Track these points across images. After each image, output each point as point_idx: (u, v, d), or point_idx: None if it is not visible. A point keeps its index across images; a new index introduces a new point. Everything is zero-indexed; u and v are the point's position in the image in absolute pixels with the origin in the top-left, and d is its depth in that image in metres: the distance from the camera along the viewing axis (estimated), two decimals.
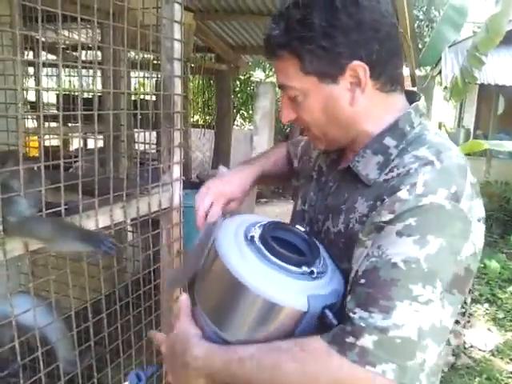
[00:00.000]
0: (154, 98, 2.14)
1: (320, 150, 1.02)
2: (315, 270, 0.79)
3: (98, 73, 3.02)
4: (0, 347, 1.14)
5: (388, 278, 0.72)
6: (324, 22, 0.80)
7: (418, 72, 7.78)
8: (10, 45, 2.02)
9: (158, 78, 2.04)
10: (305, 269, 0.78)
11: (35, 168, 1.28)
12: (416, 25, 11.73)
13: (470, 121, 10.13)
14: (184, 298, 0.92)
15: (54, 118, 2.75)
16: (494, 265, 5.10)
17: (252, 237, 0.82)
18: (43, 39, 2.72)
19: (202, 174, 5.33)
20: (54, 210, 1.24)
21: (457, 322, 3.53)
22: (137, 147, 2.90)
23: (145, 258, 1.78)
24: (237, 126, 11.37)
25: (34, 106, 3.62)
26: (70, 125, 3.26)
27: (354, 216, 0.86)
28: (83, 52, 3.13)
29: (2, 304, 1.19)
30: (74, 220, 1.30)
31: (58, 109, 1.28)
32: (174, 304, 1.72)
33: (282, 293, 0.74)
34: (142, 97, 3.78)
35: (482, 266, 5.01)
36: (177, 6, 1.57)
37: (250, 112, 11.03)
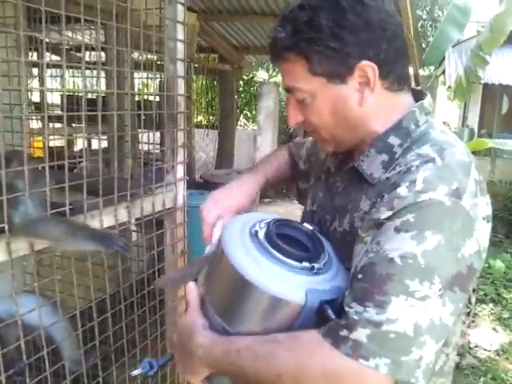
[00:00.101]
0: (157, 98, 2.15)
1: (328, 152, 1.02)
2: (316, 266, 0.80)
3: (102, 73, 3.02)
4: (6, 346, 1.14)
5: (384, 273, 0.72)
6: (331, 22, 0.81)
7: (421, 72, 7.77)
8: (14, 46, 2.03)
9: (161, 78, 2.05)
10: (305, 264, 0.79)
11: (39, 168, 1.29)
12: (419, 24, 11.71)
13: (474, 120, 10.10)
14: (192, 289, 0.94)
15: (59, 118, 2.76)
16: (498, 264, 5.08)
17: (256, 232, 0.83)
18: (47, 40, 2.73)
19: (205, 174, 5.34)
20: (58, 209, 1.25)
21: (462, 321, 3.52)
22: (141, 147, 2.91)
23: (149, 257, 1.78)
24: (240, 126, 11.37)
25: (38, 107, 3.63)
26: (74, 125, 3.28)
27: (358, 215, 0.86)
28: (87, 53, 3.14)
29: (7, 303, 1.20)
30: (79, 220, 1.30)
31: (62, 109, 1.28)
32: (178, 303, 1.72)
33: (280, 286, 0.76)
34: (145, 97, 3.79)
35: (487, 265, 5.00)
36: (180, 7, 1.57)
37: (254, 112, 11.03)
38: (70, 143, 4.78)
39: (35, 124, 3.15)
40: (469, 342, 3.64)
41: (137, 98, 3.84)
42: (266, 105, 8.59)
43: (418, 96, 0.93)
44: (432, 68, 8.37)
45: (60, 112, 3.60)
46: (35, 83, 4.00)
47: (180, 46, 1.60)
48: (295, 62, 0.85)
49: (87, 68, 1.94)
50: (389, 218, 0.76)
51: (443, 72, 8.81)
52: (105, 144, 3.23)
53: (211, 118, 9.51)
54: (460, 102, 8.06)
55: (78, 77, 3.63)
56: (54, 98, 3.63)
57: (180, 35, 1.59)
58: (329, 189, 1.00)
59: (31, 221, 1.22)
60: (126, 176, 1.76)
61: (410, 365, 0.70)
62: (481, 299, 4.43)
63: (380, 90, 0.86)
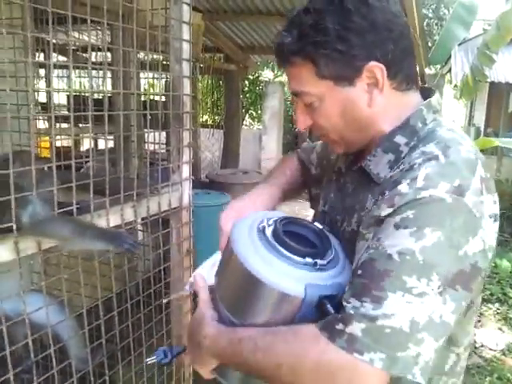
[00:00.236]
0: (163, 98, 2.15)
1: (339, 153, 1.03)
2: (319, 262, 0.81)
3: (108, 74, 3.04)
4: (14, 344, 1.16)
5: (382, 269, 0.72)
6: (337, 25, 0.81)
7: (427, 70, 7.74)
8: (21, 47, 2.04)
9: (167, 78, 2.06)
10: (308, 260, 0.81)
11: (45, 168, 1.30)
12: (425, 23, 11.67)
13: (480, 119, 10.06)
14: (201, 281, 0.97)
15: (65, 118, 2.78)
16: (505, 264, 5.05)
17: (263, 228, 0.86)
18: (54, 41, 2.75)
19: (211, 173, 5.35)
20: (65, 209, 1.26)
21: None
22: (146, 147, 2.92)
23: (155, 256, 1.80)
24: (246, 125, 11.39)
25: (45, 107, 3.65)
26: (80, 125, 3.29)
27: (365, 214, 0.87)
28: (93, 53, 3.15)
29: (15, 302, 1.21)
30: (86, 219, 1.32)
31: (68, 110, 1.29)
32: (183, 302, 1.73)
33: (281, 279, 0.78)
34: (151, 97, 3.80)
35: (493, 265, 4.97)
36: (185, 7, 1.58)
37: (259, 112, 11.03)
38: (77, 143, 4.80)
39: (42, 124, 3.17)
40: (474, 342, 3.63)
41: (143, 98, 3.85)
42: (272, 104, 8.61)
43: (426, 94, 0.93)
44: (438, 66, 8.34)
45: (67, 112, 3.62)
46: (42, 84, 4.02)
47: (186, 46, 1.60)
48: (302, 66, 0.86)
49: (93, 68, 1.95)
50: (389, 215, 0.76)
51: (449, 70, 8.77)
52: (111, 144, 3.24)
53: (217, 117, 9.53)
54: (466, 100, 8.03)
55: (85, 77, 3.64)
56: (60, 99, 3.65)
57: (186, 35, 1.59)
58: (340, 189, 1.01)
59: (39, 220, 1.24)
60: (132, 176, 1.77)
61: (407, 361, 0.70)
62: (487, 299, 4.41)
63: (388, 90, 0.86)
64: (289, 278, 0.78)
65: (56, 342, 1.33)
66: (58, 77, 3.69)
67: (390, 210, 0.76)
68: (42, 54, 3.14)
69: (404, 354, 0.69)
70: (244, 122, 10.98)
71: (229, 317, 0.86)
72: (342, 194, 0.99)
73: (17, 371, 1.16)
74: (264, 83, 9.86)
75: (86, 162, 2.27)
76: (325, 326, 0.74)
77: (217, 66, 6.39)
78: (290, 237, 0.84)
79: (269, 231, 0.86)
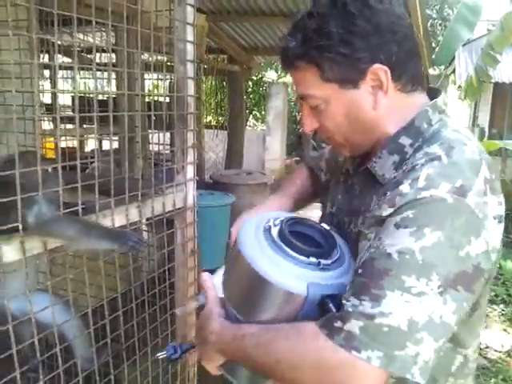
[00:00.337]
0: (167, 99, 2.16)
1: (345, 156, 1.04)
2: (322, 262, 0.83)
3: (113, 75, 3.05)
4: (20, 343, 1.16)
5: (382, 268, 0.73)
6: (341, 28, 0.82)
7: (431, 71, 7.73)
8: (26, 48, 2.05)
9: (171, 79, 2.06)
10: (312, 259, 0.82)
11: (50, 169, 1.30)
12: (429, 24, 11.64)
13: (484, 120, 10.02)
14: (207, 279, 0.99)
15: (70, 119, 2.79)
16: (509, 265, 5.03)
17: (269, 227, 0.88)
18: (59, 42, 2.76)
19: (215, 174, 5.36)
20: (71, 209, 1.27)
21: None
22: (151, 148, 2.93)
23: (160, 256, 1.80)
24: (249, 126, 11.40)
25: (50, 108, 3.67)
26: (85, 126, 3.31)
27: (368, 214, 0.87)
28: (97, 54, 3.17)
29: (21, 301, 1.22)
30: (91, 219, 1.32)
31: (73, 111, 1.30)
32: (188, 302, 1.74)
33: (284, 277, 0.80)
34: (155, 98, 3.81)
35: (498, 266, 4.94)
36: (189, 9, 1.58)
37: (263, 112, 11.05)
38: (82, 144, 4.82)
39: (46, 125, 3.19)
40: (479, 343, 3.61)
41: (147, 99, 3.86)
42: (275, 105, 8.62)
43: (433, 95, 0.93)
44: (442, 67, 8.32)
45: (71, 113, 3.64)
46: (46, 85, 4.03)
47: (190, 48, 1.61)
48: (306, 69, 0.87)
49: (98, 70, 1.96)
50: (390, 215, 0.77)
51: (453, 71, 8.75)
52: (115, 145, 3.25)
53: (220, 118, 9.54)
54: (470, 101, 8.00)
55: (89, 78, 3.66)
56: (65, 100, 3.66)
57: (190, 36, 1.60)
58: (347, 191, 1.02)
59: (45, 220, 1.24)
60: (137, 176, 1.78)
61: (405, 360, 0.70)
62: (492, 300, 4.40)
63: (393, 92, 0.87)
64: (292, 276, 0.80)
65: (61, 341, 1.34)
66: (62, 78, 3.71)
67: (391, 210, 0.77)
68: (46, 56, 3.16)
69: (402, 352, 0.70)
70: (248, 123, 10.99)
71: (235, 314, 0.88)
72: (350, 195, 1.00)
73: (23, 370, 1.17)
74: (268, 84, 9.87)
75: (91, 163, 2.28)
76: (324, 324, 0.74)
77: (220, 67, 6.40)
78: (296, 237, 0.85)
79: (275, 231, 0.87)
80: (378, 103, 0.87)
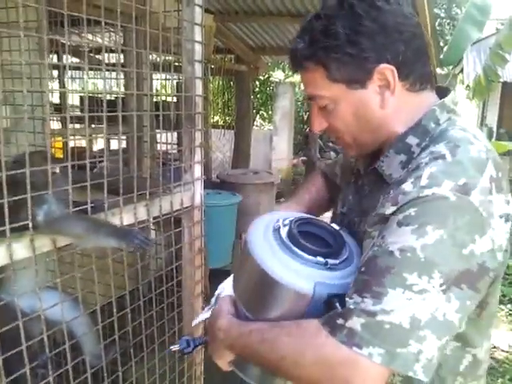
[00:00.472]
0: (174, 99, 2.18)
1: (351, 156, 1.05)
2: (330, 262, 0.84)
3: (121, 75, 3.07)
4: (29, 340, 1.18)
5: (384, 266, 0.73)
6: (347, 29, 0.83)
7: (439, 70, 7.69)
8: (36, 49, 2.07)
9: (179, 79, 2.08)
10: (320, 259, 0.83)
11: (58, 169, 1.32)
12: (437, 23, 11.59)
13: (492, 119, 9.98)
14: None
15: (78, 119, 2.82)
16: None
17: (278, 227, 0.89)
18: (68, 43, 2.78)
19: (222, 173, 5.37)
20: (80, 208, 1.28)
21: None
22: (159, 147, 2.95)
23: (167, 255, 1.82)
24: (256, 126, 11.41)
25: (57, 109, 3.70)
26: (93, 126, 3.33)
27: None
28: (106, 55, 3.19)
29: (31, 298, 1.24)
30: (100, 217, 1.34)
31: (81, 111, 1.32)
32: (195, 300, 1.75)
33: (292, 276, 0.81)
34: (163, 98, 3.83)
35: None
36: (197, 9, 1.59)
37: (270, 112, 11.04)
38: (90, 143, 4.85)
39: (55, 125, 3.21)
40: (491, 345, 3.59)
41: (154, 99, 3.88)
42: (282, 105, 8.62)
43: (443, 94, 0.93)
44: (450, 67, 8.28)
45: (79, 113, 3.66)
46: (55, 85, 4.07)
47: (198, 48, 1.62)
48: (315, 70, 0.88)
49: (107, 70, 1.97)
50: (393, 213, 0.77)
51: (461, 71, 8.71)
52: (123, 144, 3.28)
53: (227, 118, 9.55)
54: (478, 101, 7.95)
55: (97, 78, 3.68)
56: (73, 100, 3.69)
57: (198, 37, 1.61)
58: (358, 191, 1.02)
59: (54, 219, 1.26)
60: (145, 175, 1.79)
61: (407, 358, 0.70)
62: (499, 300, 4.37)
63: (401, 91, 0.87)
64: (300, 276, 0.81)
65: (70, 338, 1.35)
66: (71, 78, 3.74)
67: (394, 208, 0.77)
68: (55, 56, 3.18)
69: (404, 350, 0.70)
70: (255, 123, 11.00)
71: (244, 312, 0.90)
72: (360, 195, 1.00)
73: (32, 366, 1.19)
74: (275, 84, 9.87)
75: (100, 162, 2.30)
76: (327, 321, 0.75)
77: (228, 67, 6.41)
78: (305, 237, 0.86)
79: (284, 231, 0.88)
80: (386, 102, 0.87)
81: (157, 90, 4.40)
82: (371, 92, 0.87)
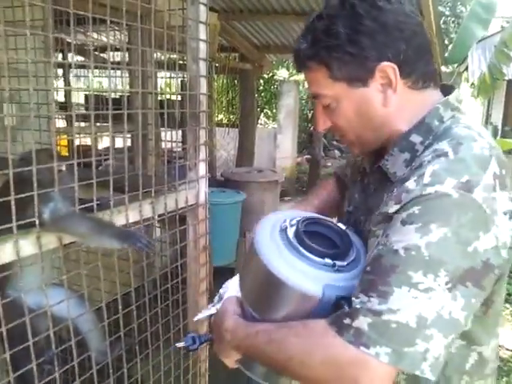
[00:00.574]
0: (179, 97, 2.18)
1: (355, 154, 1.06)
2: (338, 263, 0.83)
3: (126, 73, 3.08)
4: (36, 336, 1.19)
5: (389, 265, 0.74)
6: (348, 29, 0.84)
7: (444, 68, 7.67)
8: (42, 47, 2.08)
9: (183, 77, 2.08)
10: (327, 261, 0.83)
11: (64, 167, 1.33)
12: (442, 21, 11.55)
13: (497, 117, 9.94)
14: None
15: (84, 117, 2.83)
16: None
17: (285, 227, 0.89)
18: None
19: (226, 172, 5.37)
20: (86, 205, 1.29)
21: None
22: (164, 145, 2.96)
23: (172, 252, 1.82)
24: (260, 124, 11.41)
25: (62, 107, 3.71)
26: (98, 124, 3.35)
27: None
28: (111, 53, 3.20)
29: (37, 295, 1.25)
30: (106, 215, 1.35)
31: (86, 109, 1.32)
32: (200, 298, 1.76)
33: (300, 279, 0.81)
34: (168, 96, 3.84)
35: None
36: (202, 7, 1.60)
37: (274, 111, 11.04)
38: (95, 141, 4.86)
39: (60, 123, 3.23)
40: (498, 344, 3.58)
41: (159, 98, 3.89)
42: (286, 103, 8.61)
43: (447, 92, 0.93)
44: (455, 65, 8.25)
45: (85, 111, 3.68)
46: (60, 83, 4.08)
47: (202, 46, 1.62)
48: (317, 70, 0.89)
49: (112, 68, 1.99)
50: (397, 212, 0.78)
51: (466, 69, 8.68)
52: (128, 142, 3.28)
53: (232, 116, 9.57)
54: (483, 99, 7.93)
55: (102, 76, 3.70)
56: (78, 98, 3.70)
57: (202, 35, 1.61)
58: (364, 190, 1.03)
59: (60, 216, 1.27)
60: (150, 173, 1.80)
61: (415, 357, 0.70)
62: (504, 299, 4.36)
63: (403, 89, 0.87)
64: (308, 278, 0.81)
65: (76, 335, 1.36)
66: (76, 76, 3.75)
67: (398, 207, 0.78)
68: (60, 55, 3.20)
69: (412, 349, 0.70)
70: (259, 121, 11.00)
71: (251, 312, 0.90)
72: (366, 194, 1.01)
73: (39, 361, 1.20)
74: (279, 82, 9.87)
75: (105, 160, 2.30)
76: (334, 321, 0.76)
77: (232, 66, 6.42)
78: (312, 237, 0.86)
79: (291, 232, 0.88)
80: (388, 100, 0.87)
81: (161, 89, 4.41)
82: (373, 90, 0.87)
